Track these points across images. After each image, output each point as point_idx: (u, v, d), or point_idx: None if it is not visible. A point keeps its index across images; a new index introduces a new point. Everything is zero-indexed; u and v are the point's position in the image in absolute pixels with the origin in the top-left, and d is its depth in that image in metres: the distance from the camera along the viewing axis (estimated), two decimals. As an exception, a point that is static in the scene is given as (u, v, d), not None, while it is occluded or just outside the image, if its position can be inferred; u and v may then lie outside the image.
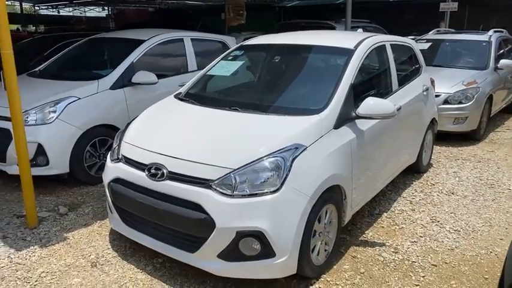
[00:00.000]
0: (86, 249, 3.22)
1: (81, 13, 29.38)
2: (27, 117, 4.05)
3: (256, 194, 2.51)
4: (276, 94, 3.57)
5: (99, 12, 29.50)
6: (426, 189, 4.45)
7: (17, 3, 21.67)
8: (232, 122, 3.04)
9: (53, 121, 4.11)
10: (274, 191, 2.51)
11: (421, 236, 3.47)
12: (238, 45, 4.27)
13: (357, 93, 3.24)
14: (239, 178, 2.53)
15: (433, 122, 4.88)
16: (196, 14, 21.50)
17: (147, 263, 3.02)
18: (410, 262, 3.10)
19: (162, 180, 2.68)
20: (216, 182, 2.55)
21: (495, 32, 7.47)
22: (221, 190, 2.52)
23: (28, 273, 2.91)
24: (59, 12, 28.23)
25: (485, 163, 5.28)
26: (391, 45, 4.08)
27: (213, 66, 4.02)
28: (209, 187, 2.55)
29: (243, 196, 2.51)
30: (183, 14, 22.63)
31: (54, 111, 4.15)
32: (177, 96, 3.68)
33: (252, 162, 2.57)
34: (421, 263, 3.09)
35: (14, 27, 22.76)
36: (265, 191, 2.51)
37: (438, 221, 3.73)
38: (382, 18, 14.38)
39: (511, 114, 7.92)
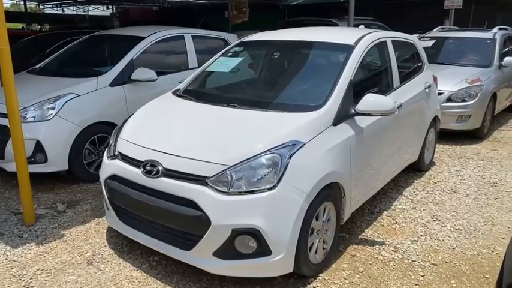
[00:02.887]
0: (83, 246, 3.20)
1: (84, 11, 29.44)
2: (26, 114, 4.03)
3: (252, 191, 2.47)
4: (274, 90, 3.53)
5: (103, 11, 29.56)
6: (428, 187, 4.40)
7: (22, 2, 21.72)
8: (229, 118, 3.01)
9: (52, 118, 4.10)
10: (271, 188, 2.47)
11: (422, 235, 3.42)
12: (238, 41, 4.23)
13: (357, 89, 3.19)
14: (235, 175, 2.50)
15: (435, 119, 4.83)
16: (200, 13, 21.49)
17: (143, 261, 3.00)
18: (410, 261, 3.05)
19: (158, 177, 2.65)
20: (211, 179, 2.51)
21: (500, 29, 7.40)
22: (217, 187, 2.49)
23: (23, 270, 2.89)
24: (63, 11, 28.33)
25: (488, 162, 5.22)
26: (392, 41, 4.02)
27: (212, 62, 3.99)
28: (205, 184, 2.51)
29: (239, 193, 2.47)
30: (187, 12, 22.64)
31: (53, 108, 4.13)
32: (175, 93, 3.65)
33: (248, 158, 2.53)
34: (421, 262, 3.04)
35: (19, 26, 22.85)
36: (262, 188, 2.47)
37: (439, 220, 3.67)
38: (386, 16, 14.28)
39: (516, 113, 7.84)
